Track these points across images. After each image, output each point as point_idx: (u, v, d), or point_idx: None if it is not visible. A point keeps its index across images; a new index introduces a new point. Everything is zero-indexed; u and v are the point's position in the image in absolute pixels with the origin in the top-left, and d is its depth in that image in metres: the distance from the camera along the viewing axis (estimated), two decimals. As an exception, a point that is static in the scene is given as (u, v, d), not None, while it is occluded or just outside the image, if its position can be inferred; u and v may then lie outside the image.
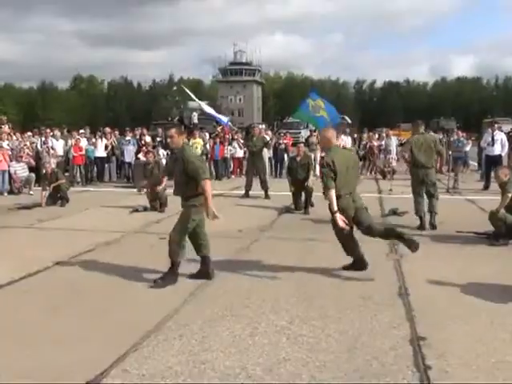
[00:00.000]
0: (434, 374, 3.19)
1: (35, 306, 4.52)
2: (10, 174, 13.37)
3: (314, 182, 10.09)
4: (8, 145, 14.12)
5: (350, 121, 41.39)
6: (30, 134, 16.95)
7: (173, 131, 5.23)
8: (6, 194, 12.79)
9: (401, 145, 23.61)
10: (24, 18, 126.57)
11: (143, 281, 5.24)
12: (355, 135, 22.90)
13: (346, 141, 18.40)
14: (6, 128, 15.32)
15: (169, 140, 5.30)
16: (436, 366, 3.29)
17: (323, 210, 9.77)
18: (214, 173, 16.13)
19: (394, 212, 9.20)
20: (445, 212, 8.61)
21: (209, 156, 17.39)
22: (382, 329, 3.91)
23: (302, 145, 11.19)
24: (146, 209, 10.05)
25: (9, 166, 13.38)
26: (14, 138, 15.08)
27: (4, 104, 69.28)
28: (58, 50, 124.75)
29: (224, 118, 16.29)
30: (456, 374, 3.18)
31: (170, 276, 5.11)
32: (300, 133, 31.25)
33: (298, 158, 10.16)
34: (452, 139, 17.82)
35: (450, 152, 16.79)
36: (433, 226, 7.93)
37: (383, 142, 18.48)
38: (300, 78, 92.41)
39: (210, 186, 5.12)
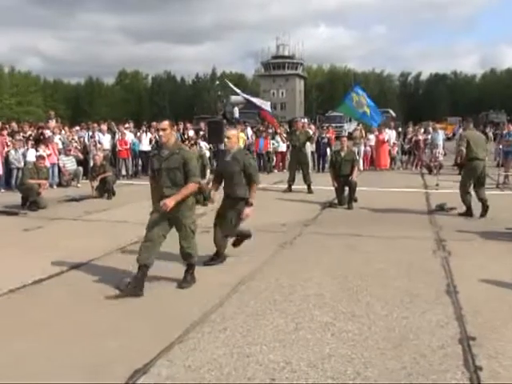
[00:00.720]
0: (485, 374, 3.09)
1: (83, 296, 4.64)
2: (59, 167, 13.81)
3: (357, 176, 9.94)
4: (60, 139, 14.58)
5: (394, 114, 40.66)
6: (78, 128, 17.46)
7: (166, 123, 4.78)
8: (55, 186, 13.20)
9: (448, 139, 23.05)
10: (71, 15, 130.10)
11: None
12: (399, 129, 22.45)
13: (390, 135, 18.07)
14: (53, 122, 15.79)
15: (160, 133, 4.78)
16: (487, 366, 3.18)
17: (367, 205, 9.70)
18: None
19: (441, 207, 8.97)
20: (495, 208, 8.35)
21: (252, 150, 17.44)
22: (430, 327, 3.81)
23: (345, 139, 11.04)
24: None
25: (58, 160, 13.82)
26: (63, 132, 15.54)
27: (54, 99, 71.51)
28: (104, 46, 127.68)
29: (268, 109, 16.16)
30: (509, 376, 3.07)
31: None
32: (343, 126, 30.93)
33: (342, 153, 10.03)
34: (502, 133, 17.21)
35: (501, 146, 16.22)
36: (485, 211, 8.26)
37: (429, 136, 18.03)
38: (343, 71, 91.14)
39: (193, 190, 4.82)
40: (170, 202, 4.60)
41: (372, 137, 17.87)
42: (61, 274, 5.37)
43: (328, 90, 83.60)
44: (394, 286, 4.82)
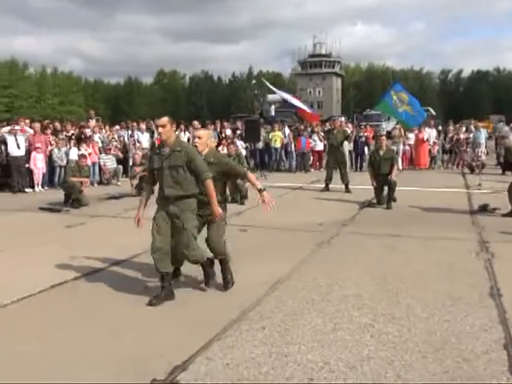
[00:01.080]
0: (531, 382, 2.99)
1: (124, 293, 4.72)
2: (99, 166, 14.13)
3: (397, 175, 9.78)
4: (99, 138, 14.92)
5: (434, 112, 39.78)
6: (117, 127, 17.81)
7: (165, 120, 4.44)
8: (95, 184, 13.51)
9: (489, 137, 22.39)
10: (111, 16, 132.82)
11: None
12: (440, 127, 21.95)
13: (430, 133, 17.70)
14: (92, 122, 16.17)
15: (160, 130, 4.44)
16: (534, 373, 3.08)
17: (406, 204, 9.54)
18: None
19: (484, 208, 8.72)
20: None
21: (290, 149, 17.46)
22: (473, 331, 3.71)
23: (384, 137, 10.87)
24: (226, 200, 10.20)
25: (99, 159, 14.14)
26: (103, 131, 15.88)
27: (94, 99, 73.19)
28: (143, 46, 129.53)
29: (306, 108, 16.05)
30: (557, 384, 2.96)
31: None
32: (381, 125, 30.45)
33: (381, 152, 9.89)
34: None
35: (547, 145, 15.68)
36: None
37: (471, 135, 17.56)
38: (381, 69, 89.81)
39: (212, 186, 4.47)
40: (217, 209, 4.46)
41: (411, 136, 17.55)
42: (102, 270, 5.48)
43: (366, 89, 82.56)
44: (434, 288, 4.72)
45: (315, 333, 3.71)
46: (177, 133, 16.71)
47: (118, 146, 15.42)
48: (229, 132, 16.89)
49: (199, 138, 4.81)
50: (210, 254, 4.85)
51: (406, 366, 3.18)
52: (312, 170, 17.33)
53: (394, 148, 16.04)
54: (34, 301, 4.52)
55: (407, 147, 17.78)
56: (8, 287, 4.80)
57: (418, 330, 3.72)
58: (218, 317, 4.02)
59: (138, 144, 15.49)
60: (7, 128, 12.76)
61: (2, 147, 12.05)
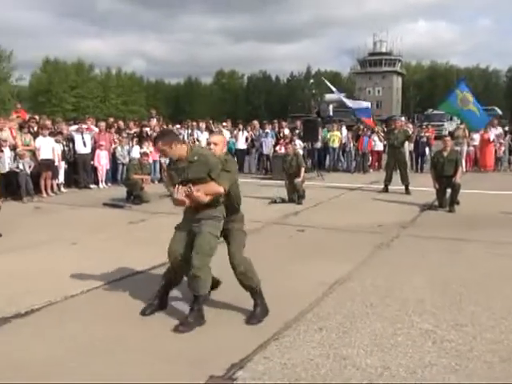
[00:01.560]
0: None
1: (183, 288, 4.81)
2: (160, 164, 14.49)
3: (461, 177, 9.44)
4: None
5: (500, 112, 38.14)
6: (178, 126, 18.21)
7: (159, 144, 4.00)
8: (156, 181, 13.86)
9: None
10: (174, 17, 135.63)
11: (283, 271, 5.33)
12: (506, 128, 20.99)
13: (496, 134, 16.96)
14: (154, 121, 16.60)
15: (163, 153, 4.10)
16: None
17: (470, 208, 9.19)
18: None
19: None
20: None
21: (348, 149, 17.26)
22: (544, 342, 3.53)
23: (449, 138, 10.52)
24: (283, 200, 10.23)
25: (159, 157, 14.49)
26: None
27: (155, 99, 75.07)
28: (204, 46, 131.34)
29: (364, 104, 15.73)
30: None
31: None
32: (443, 125, 29.52)
33: (445, 153, 9.57)
34: None
35: None
36: None
37: (541, 136, 16.69)
38: (444, 67, 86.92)
39: (215, 190, 4.02)
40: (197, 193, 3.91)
41: (476, 136, 16.89)
42: (162, 266, 5.60)
43: (427, 88, 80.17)
44: (500, 294, 4.52)
45: (374, 337, 3.65)
46: (235, 133, 16.94)
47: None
48: (287, 131, 16.86)
49: (215, 144, 4.41)
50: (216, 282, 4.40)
51: (469, 376, 3.06)
52: (371, 170, 17.04)
53: (458, 149, 15.49)
54: (101, 292, 4.70)
55: (472, 148, 17.13)
56: (78, 278, 5.03)
57: (483, 339, 3.58)
58: (275, 317, 4.02)
59: (197, 143, 15.76)
60: (75, 127, 13.31)
61: (70, 145, 12.59)
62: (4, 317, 4.04)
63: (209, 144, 4.51)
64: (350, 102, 17.23)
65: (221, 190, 3.99)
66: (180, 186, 3.98)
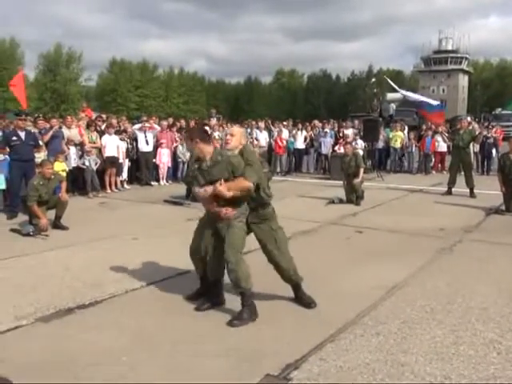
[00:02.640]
0: None
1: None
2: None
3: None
4: (218, 135, 15.50)
5: None
6: (238, 125, 18.36)
7: (191, 137, 4.15)
8: (215, 180, 14.03)
9: None
10: (235, 17, 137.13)
11: (339, 273, 5.26)
12: None
13: None
14: (214, 120, 16.86)
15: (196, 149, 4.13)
16: None
17: (541, 213, 8.72)
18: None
19: None
20: None
21: (411, 150, 16.81)
22: None
23: (516, 140, 10.02)
24: (341, 201, 10.10)
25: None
26: (221, 129, 16.47)
27: (216, 99, 76.20)
28: (264, 46, 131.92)
29: (433, 102, 15.08)
30: None
31: None
32: (512, 126, 28.19)
33: (512, 155, 9.13)
34: None
35: None
36: None
37: None
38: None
39: (244, 186, 4.01)
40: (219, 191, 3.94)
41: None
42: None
43: (496, 86, 76.80)
44: None
45: (434, 344, 3.53)
46: (293, 132, 16.89)
47: (238, 143, 15.89)
48: (350, 131, 16.59)
49: (232, 135, 4.32)
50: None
51: (538, 391, 2.91)
52: (433, 172, 16.51)
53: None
54: (161, 287, 4.82)
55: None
56: (138, 272, 5.20)
57: (552, 352, 3.39)
58: (331, 318, 3.98)
59: (255, 142, 15.85)
60: (138, 125, 13.71)
61: (134, 143, 12.99)
62: (69, 307, 4.22)
63: (226, 135, 4.50)
64: (416, 96, 16.57)
65: (249, 185, 3.98)
66: (206, 187, 4.03)
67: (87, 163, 11.12)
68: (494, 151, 16.51)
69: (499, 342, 3.55)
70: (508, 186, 9.00)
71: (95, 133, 11.97)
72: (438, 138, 16.03)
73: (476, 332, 3.74)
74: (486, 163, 16.38)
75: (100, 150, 11.71)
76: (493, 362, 3.27)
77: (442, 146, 16.31)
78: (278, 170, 16.14)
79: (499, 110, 32.28)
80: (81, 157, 11.25)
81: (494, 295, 4.54)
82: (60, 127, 11.18)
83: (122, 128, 13.25)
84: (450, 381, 3.02)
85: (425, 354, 3.37)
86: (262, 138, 16.27)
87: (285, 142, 16.20)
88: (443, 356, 3.34)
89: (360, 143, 15.78)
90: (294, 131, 17.07)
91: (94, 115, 15.81)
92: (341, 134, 16.46)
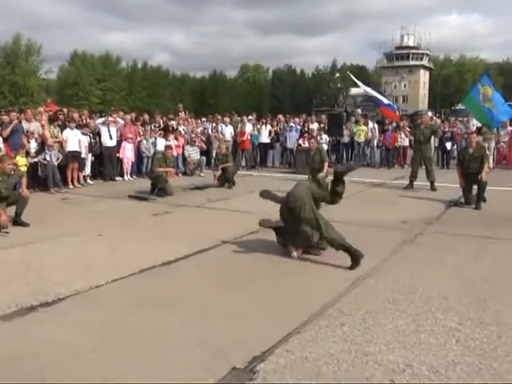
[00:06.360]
0: None
1: (209, 279, 4.87)
2: (184, 157, 14.59)
3: (487, 174, 9.25)
4: (183, 129, 15.40)
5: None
6: (204, 119, 18.32)
7: None
8: (180, 175, 13.97)
9: None
10: (200, 10, 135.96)
11: (306, 266, 5.33)
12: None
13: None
14: (182, 115, 16.76)
15: None
16: None
17: (497, 205, 9.02)
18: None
19: None
20: None
21: (373, 144, 17.05)
22: None
23: (474, 135, 10.34)
24: (307, 195, 10.18)
25: (183, 150, 14.60)
26: (187, 123, 16.37)
27: (181, 92, 75.40)
28: (230, 40, 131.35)
29: (386, 101, 15.48)
30: None
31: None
32: (471, 121, 28.92)
33: (471, 150, 9.40)
34: None
35: None
36: None
37: None
38: (473, 62, 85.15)
39: None
40: None
41: (504, 132, 16.54)
42: (188, 256, 5.67)
43: (456, 83, 78.78)
44: (528, 294, 4.44)
45: (397, 333, 3.62)
46: (258, 126, 16.92)
47: (203, 138, 15.83)
48: (315, 126, 16.73)
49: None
50: None
51: (494, 376, 3.02)
52: (396, 166, 16.85)
53: (486, 145, 15.19)
54: (125, 282, 4.77)
55: (502, 144, 16.78)
56: (103, 268, 5.12)
57: (508, 338, 3.52)
58: (297, 311, 4.03)
59: (220, 136, 15.82)
60: (101, 119, 13.48)
61: (97, 138, 12.76)
62: (32, 305, 4.13)
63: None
64: (375, 93, 16.84)
65: None
66: None
67: (48, 158, 10.87)
68: (453, 145, 16.97)
69: (458, 330, 3.67)
70: (466, 180, 9.27)
71: (57, 127, 11.71)
72: (400, 132, 16.36)
73: (436, 321, 3.85)
74: (445, 157, 16.81)
75: (62, 145, 11.47)
76: (452, 349, 3.38)
77: (404, 141, 16.66)
78: (243, 164, 16.17)
79: (458, 105, 33.14)
80: (42, 152, 10.99)
81: (454, 285, 4.69)
82: (20, 121, 10.89)
83: (84, 122, 13.01)
84: (411, 368, 3.10)
85: (388, 343, 3.46)
86: (228, 132, 16.25)
87: (249, 136, 16.23)
88: (405, 344, 3.44)
89: (324, 138, 15.94)
90: (258, 125, 17.11)
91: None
92: (306, 129, 16.60)
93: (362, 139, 17.00)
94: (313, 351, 3.33)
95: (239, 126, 16.57)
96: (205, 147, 15.47)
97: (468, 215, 8.41)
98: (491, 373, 3.05)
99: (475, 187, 9.14)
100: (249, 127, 16.54)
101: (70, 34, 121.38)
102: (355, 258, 5.19)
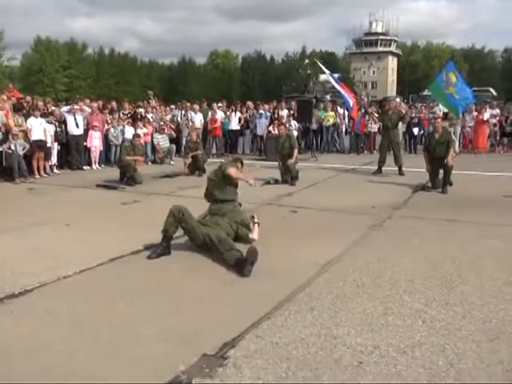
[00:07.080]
0: None
1: (179, 267, 4.85)
2: (153, 145, 14.43)
3: (453, 158, 9.45)
4: (152, 117, 15.21)
5: (495, 93, 38.16)
6: (173, 107, 18.11)
7: None
8: (149, 163, 13.82)
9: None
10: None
11: (275, 252, 5.35)
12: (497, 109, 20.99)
13: (491, 114, 16.96)
14: (153, 102, 16.57)
15: None
16: None
17: (463, 189, 9.24)
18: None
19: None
20: None
21: (341, 130, 17.19)
22: (532, 321, 3.58)
23: (440, 120, 10.52)
24: (277, 182, 10.24)
25: (152, 137, 14.43)
26: (155, 110, 16.17)
27: (149, 79, 74.30)
28: (199, 25, 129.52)
29: (350, 101, 15.73)
30: None
31: None
32: (438, 106, 29.44)
33: (437, 135, 9.56)
34: None
35: None
36: None
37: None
38: (440, 48, 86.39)
39: None
40: None
41: (470, 117, 16.90)
42: (154, 246, 5.61)
43: (423, 69, 79.90)
44: (491, 275, 4.57)
45: (365, 316, 3.69)
46: (228, 113, 16.84)
47: (172, 126, 15.67)
48: (285, 112, 16.74)
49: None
50: None
51: (458, 355, 3.11)
52: (365, 151, 17.04)
53: (452, 130, 15.51)
54: (94, 273, 4.71)
55: (468, 129, 17.13)
56: (71, 259, 5.03)
57: (472, 318, 3.63)
58: (267, 296, 4.05)
59: (190, 123, 15.69)
60: (67, 107, 13.19)
61: (62, 126, 12.49)
62: (-3, 297, 4.05)
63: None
64: (338, 87, 16.86)
65: None
66: None
67: (13, 147, 10.59)
68: (420, 131, 17.26)
69: (425, 312, 3.76)
70: (433, 164, 9.45)
71: (21, 116, 11.41)
72: (369, 119, 16.54)
73: (403, 303, 3.93)
74: (412, 142, 17.08)
75: (26, 134, 11.18)
76: (419, 329, 3.46)
77: (373, 127, 16.85)
78: (214, 151, 16.11)
79: (425, 91, 33.67)
80: (6, 141, 10.70)
81: (420, 268, 4.79)
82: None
83: (50, 111, 12.71)
84: (379, 350, 3.17)
85: (356, 326, 3.51)
86: (197, 119, 16.12)
87: (219, 123, 16.15)
88: (373, 327, 3.50)
89: (294, 124, 15.98)
90: (227, 112, 17.03)
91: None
92: (275, 116, 16.60)
93: (329, 124, 17.09)
94: (283, 336, 3.36)
95: (209, 113, 16.46)
96: (174, 135, 15.32)
97: (435, 199, 8.59)
98: (455, 352, 3.14)
99: (441, 171, 9.32)
100: (220, 114, 16.45)
101: (33, 19, 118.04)
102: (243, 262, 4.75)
